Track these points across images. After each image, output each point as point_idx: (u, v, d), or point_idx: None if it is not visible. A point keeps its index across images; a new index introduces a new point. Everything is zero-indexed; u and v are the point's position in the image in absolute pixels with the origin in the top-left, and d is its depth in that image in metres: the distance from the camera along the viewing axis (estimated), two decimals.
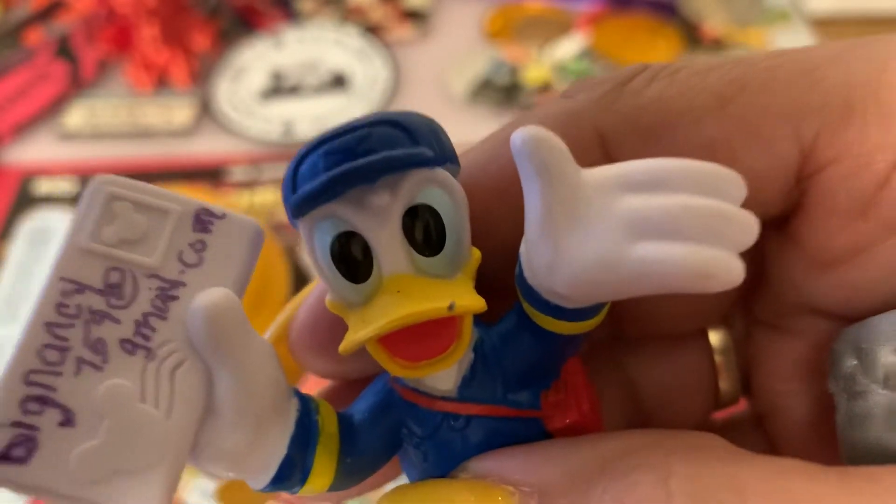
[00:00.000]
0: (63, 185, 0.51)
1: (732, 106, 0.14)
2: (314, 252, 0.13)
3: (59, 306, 0.12)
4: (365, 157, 0.12)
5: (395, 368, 0.13)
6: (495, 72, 0.55)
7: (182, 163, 0.52)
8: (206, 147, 0.53)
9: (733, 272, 0.11)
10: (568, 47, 0.57)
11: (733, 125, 0.14)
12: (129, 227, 0.13)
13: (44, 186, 0.51)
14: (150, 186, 0.14)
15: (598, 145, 0.15)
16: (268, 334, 0.16)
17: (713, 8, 0.59)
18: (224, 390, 0.12)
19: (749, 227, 0.11)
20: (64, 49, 0.57)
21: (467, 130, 0.53)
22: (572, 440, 0.14)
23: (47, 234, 0.48)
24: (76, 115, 0.54)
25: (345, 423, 0.14)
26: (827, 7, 0.59)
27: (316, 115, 0.53)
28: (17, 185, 0.51)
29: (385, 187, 0.12)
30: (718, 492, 0.11)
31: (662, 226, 0.11)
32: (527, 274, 0.12)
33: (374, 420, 0.14)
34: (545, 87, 0.54)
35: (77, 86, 0.56)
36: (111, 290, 0.13)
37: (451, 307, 0.12)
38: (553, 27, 0.59)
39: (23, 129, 0.54)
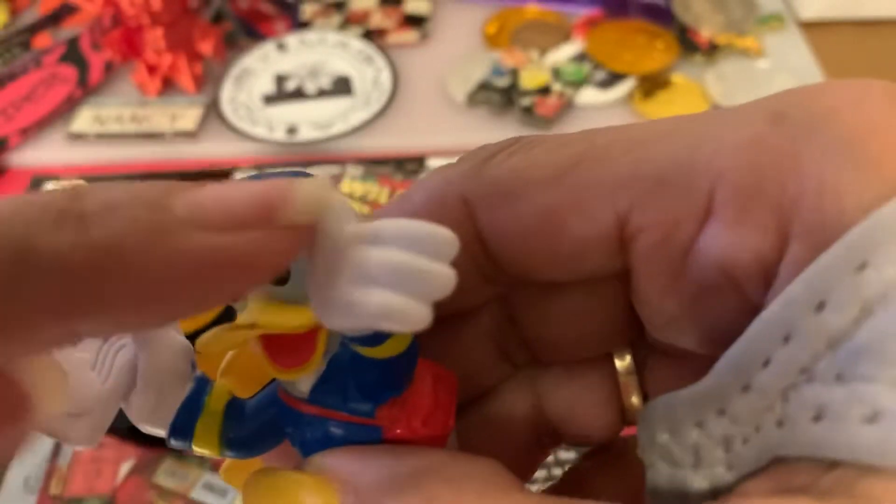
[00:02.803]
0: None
1: (566, 179, 0.16)
2: None
3: None
4: None
5: (270, 370, 0.16)
6: (494, 75, 0.56)
7: (187, 165, 0.53)
8: (211, 150, 0.53)
9: (417, 318, 0.13)
10: (565, 52, 0.58)
11: (565, 196, 0.16)
12: None
13: (52, 188, 0.52)
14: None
15: (463, 207, 0.17)
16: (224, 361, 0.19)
17: (708, 14, 0.60)
18: (140, 369, 0.17)
19: (443, 284, 0.13)
20: (72, 53, 0.58)
21: (466, 133, 0.54)
22: (392, 449, 0.16)
23: None
24: (84, 118, 0.55)
25: (235, 406, 0.18)
26: (820, 12, 0.60)
27: (319, 119, 0.54)
28: (25, 187, 0.52)
29: None
30: None
31: (374, 275, 0.13)
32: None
33: (258, 409, 0.17)
34: (543, 91, 0.55)
35: (85, 89, 0.57)
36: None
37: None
38: (551, 32, 0.60)
39: (31, 131, 0.55)
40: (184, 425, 0.17)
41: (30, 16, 0.63)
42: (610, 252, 0.17)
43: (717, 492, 0.15)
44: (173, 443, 0.17)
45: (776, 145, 0.15)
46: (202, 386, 0.18)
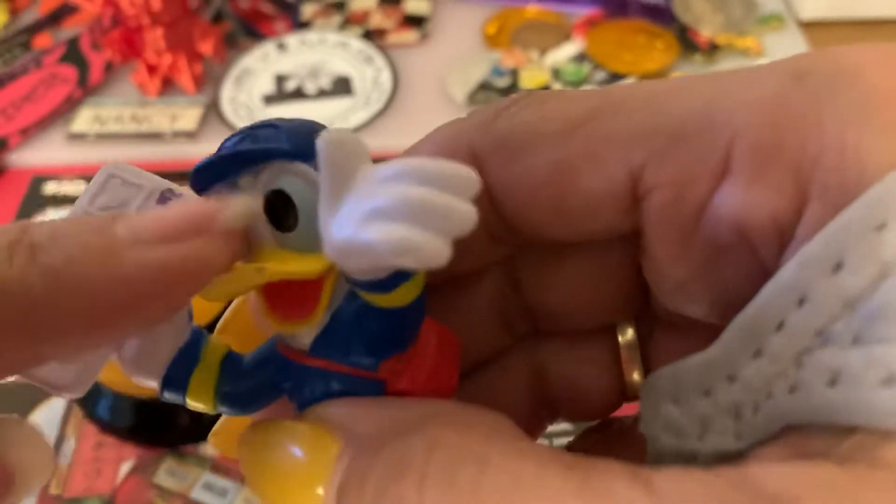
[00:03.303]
0: (71, 187, 0.52)
1: (580, 132, 0.16)
2: None
3: None
4: (237, 149, 0.16)
5: (271, 323, 0.16)
6: (494, 76, 0.56)
7: (188, 165, 0.52)
8: (211, 150, 0.53)
9: (435, 254, 0.12)
10: (565, 52, 0.58)
11: (577, 149, 0.16)
12: (113, 197, 0.17)
13: (52, 188, 0.52)
14: (142, 171, 0.17)
15: (472, 161, 0.17)
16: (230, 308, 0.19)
17: (708, 14, 0.60)
18: None
19: (464, 219, 0.13)
20: (72, 53, 0.58)
21: None
22: (395, 398, 0.16)
23: None
24: (84, 119, 0.55)
25: (231, 360, 0.17)
26: (820, 12, 0.60)
27: (319, 119, 0.54)
28: (26, 186, 0.52)
29: (250, 174, 0.16)
30: (463, 465, 0.13)
31: (391, 211, 0.13)
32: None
33: (255, 364, 0.17)
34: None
35: (85, 89, 0.57)
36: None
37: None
38: (551, 32, 0.60)
39: (32, 131, 0.55)
40: (178, 376, 0.17)
41: (30, 16, 0.63)
42: (622, 210, 0.16)
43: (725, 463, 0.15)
44: (166, 395, 0.17)
45: (797, 103, 0.14)
46: (198, 337, 0.17)
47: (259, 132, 0.16)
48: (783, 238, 0.15)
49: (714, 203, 0.15)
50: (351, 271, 0.14)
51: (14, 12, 0.63)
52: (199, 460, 0.40)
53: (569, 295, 0.19)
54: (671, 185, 0.15)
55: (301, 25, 0.61)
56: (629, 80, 0.56)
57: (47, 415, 0.42)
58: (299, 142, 0.15)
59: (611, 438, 0.21)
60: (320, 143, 0.14)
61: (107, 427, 0.41)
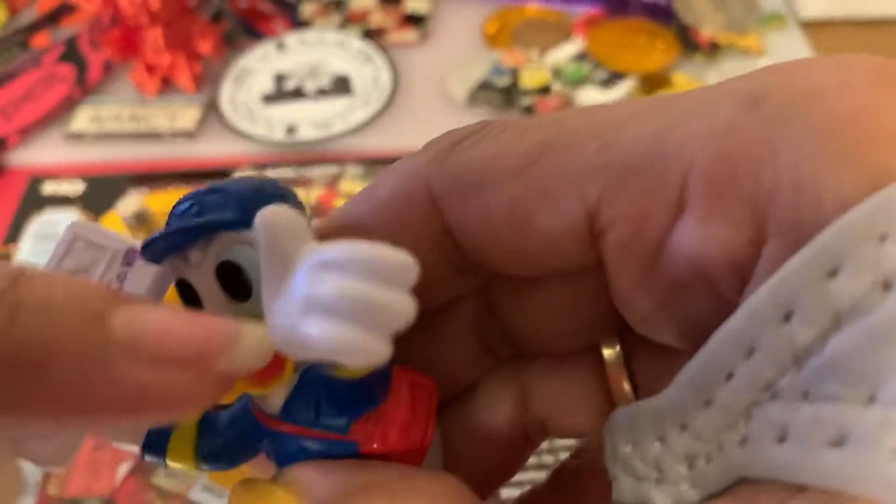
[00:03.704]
0: (70, 187, 0.52)
1: (533, 168, 0.15)
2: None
3: None
4: (183, 224, 0.16)
5: (241, 386, 0.16)
6: (494, 75, 0.56)
7: (187, 165, 0.52)
8: (210, 149, 0.53)
9: (374, 353, 0.12)
10: (566, 51, 0.58)
11: (531, 186, 0.15)
12: (79, 260, 0.17)
13: (50, 188, 0.52)
14: (106, 230, 0.17)
15: (428, 200, 0.16)
16: None
17: (709, 13, 0.60)
18: None
19: (402, 314, 0.13)
20: (70, 52, 0.58)
21: None
22: (351, 463, 0.16)
23: (54, 235, 0.49)
24: (82, 118, 0.55)
25: (209, 421, 0.17)
26: (821, 11, 0.60)
27: (318, 118, 0.54)
28: (24, 186, 0.52)
29: (199, 247, 0.15)
30: None
31: (327, 304, 0.13)
32: None
33: (231, 425, 0.17)
34: (544, 91, 0.55)
35: (83, 89, 0.56)
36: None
37: None
38: (551, 31, 0.60)
39: (30, 131, 0.54)
40: (157, 441, 0.17)
41: (28, 15, 0.63)
42: (581, 246, 0.16)
43: None
44: (147, 458, 0.17)
45: (751, 132, 0.14)
46: None
47: (206, 200, 0.16)
48: (743, 275, 0.14)
49: (671, 239, 0.15)
50: (296, 357, 0.14)
51: (13, 11, 0.63)
52: None
53: (546, 320, 0.19)
54: (627, 221, 0.15)
55: (300, 25, 0.61)
56: (630, 80, 0.55)
57: None
58: (247, 209, 0.15)
59: (601, 458, 0.20)
60: (257, 224, 0.14)
61: None
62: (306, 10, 0.62)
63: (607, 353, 0.19)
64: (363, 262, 0.13)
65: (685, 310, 0.15)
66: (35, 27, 0.61)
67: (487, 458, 0.20)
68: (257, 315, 0.15)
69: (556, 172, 0.15)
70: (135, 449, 0.17)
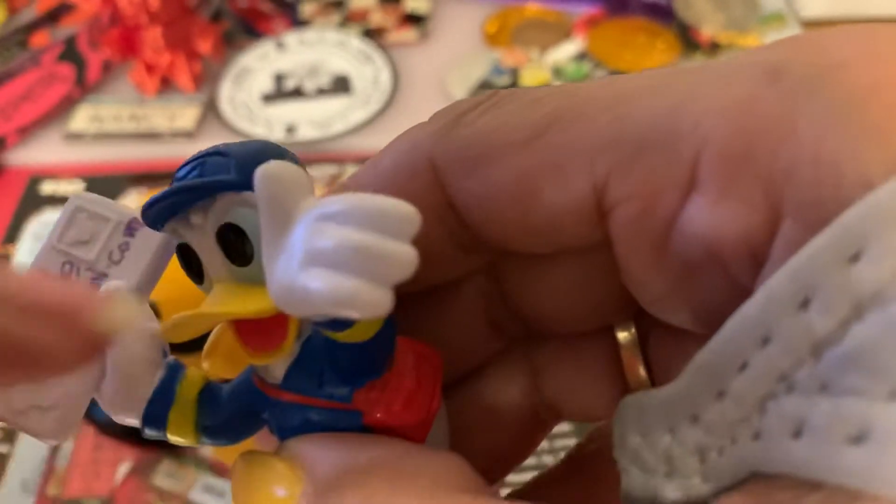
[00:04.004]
0: (69, 187, 0.51)
1: (541, 140, 0.15)
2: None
3: None
4: (183, 184, 0.15)
5: (244, 355, 0.15)
6: (494, 74, 0.56)
7: None
8: None
9: (375, 304, 0.12)
10: (566, 51, 0.58)
11: (539, 159, 0.15)
12: (81, 231, 0.17)
13: (50, 188, 0.51)
14: (108, 201, 0.17)
15: (432, 173, 0.16)
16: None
17: (709, 12, 0.60)
18: (109, 357, 0.16)
19: (403, 265, 0.12)
20: (70, 52, 0.57)
21: None
22: (356, 438, 0.15)
23: None
24: (82, 118, 0.55)
25: (210, 393, 0.17)
26: (821, 11, 0.60)
27: (318, 118, 0.54)
28: (23, 186, 0.52)
29: (201, 209, 0.15)
30: None
31: (329, 257, 0.12)
32: None
33: (233, 396, 0.17)
34: None
35: (83, 88, 0.56)
36: (63, 278, 0.17)
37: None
38: (551, 30, 0.60)
39: (29, 130, 0.54)
40: (157, 414, 0.16)
41: (27, 14, 0.62)
42: (589, 223, 0.15)
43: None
44: (148, 432, 0.17)
45: (769, 107, 0.13)
46: (174, 373, 0.17)
47: (207, 161, 0.15)
48: (757, 258, 0.13)
49: (682, 219, 0.14)
50: (297, 315, 0.14)
51: (12, 10, 0.63)
52: (197, 462, 0.39)
53: (557, 300, 0.18)
54: (637, 199, 0.14)
55: (300, 24, 0.61)
56: None
57: None
58: (248, 171, 0.14)
59: (597, 456, 0.20)
60: (257, 178, 0.13)
61: (105, 428, 0.40)
62: (306, 9, 0.62)
63: (622, 335, 0.18)
64: (362, 212, 0.12)
65: (698, 292, 0.15)
66: (34, 26, 0.61)
67: (497, 440, 0.20)
68: (260, 279, 0.14)
69: (565, 145, 0.15)
70: (135, 422, 0.17)
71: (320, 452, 0.15)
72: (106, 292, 0.15)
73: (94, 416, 0.40)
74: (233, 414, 0.17)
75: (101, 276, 0.17)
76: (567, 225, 0.15)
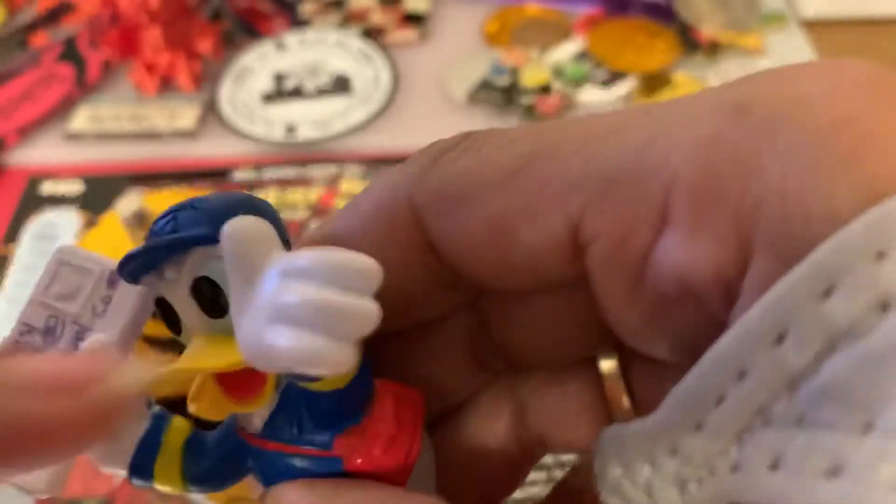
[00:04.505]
0: (69, 187, 0.51)
1: (515, 180, 0.15)
2: None
3: (17, 343, 0.18)
4: (156, 242, 0.16)
5: (224, 403, 0.16)
6: (495, 74, 0.56)
7: (186, 164, 0.52)
8: (209, 149, 0.53)
9: (337, 362, 0.12)
10: (566, 50, 0.58)
11: (513, 199, 0.15)
12: (66, 285, 0.17)
13: (49, 188, 0.51)
14: (91, 254, 0.18)
15: (411, 214, 0.16)
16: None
17: (710, 12, 0.60)
18: None
19: (366, 320, 0.12)
20: (69, 52, 0.57)
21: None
22: (340, 483, 0.15)
23: (53, 235, 0.49)
24: (82, 118, 0.55)
25: (196, 442, 0.17)
26: (822, 10, 0.60)
27: (318, 118, 0.54)
28: (23, 186, 0.52)
29: (174, 263, 0.15)
30: None
31: (291, 313, 0.12)
32: None
33: (217, 445, 0.17)
34: (544, 90, 0.55)
35: (82, 88, 0.56)
36: (48, 332, 0.17)
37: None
38: (552, 30, 0.59)
39: (29, 131, 0.54)
40: (143, 465, 0.17)
41: (27, 14, 0.62)
42: (565, 260, 0.15)
43: None
44: (135, 482, 0.17)
45: (736, 143, 0.13)
46: (159, 423, 0.17)
47: (180, 216, 0.16)
48: (730, 292, 0.13)
49: (655, 254, 0.14)
50: (267, 370, 0.14)
51: (11, 10, 0.63)
52: None
53: (538, 334, 0.18)
54: (610, 235, 0.15)
55: (300, 24, 0.61)
56: (630, 79, 0.55)
57: None
58: (220, 224, 0.15)
59: (583, 491, 0.19)
60: (222, 235, 0.14)
61: None
62: (306, 9, 0.62)
63: (605, 366, 0.19)
64: (325, 268, 0.13)
65: (674, 325, 0.15)
66: (34, 26, 0.61)
67: (484, 474, 0.20)
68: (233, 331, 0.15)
69: (538, 185, 0.15)
70: (122, 473, 0.17)
71: (302, 497, 0.15)
72: (91, 349, 0.16)
73: None
74: (218, 462, 0.17)
75: (85, 330, 0.17)
76: (544, 262, 0.16)
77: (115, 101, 0.56)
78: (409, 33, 0.60)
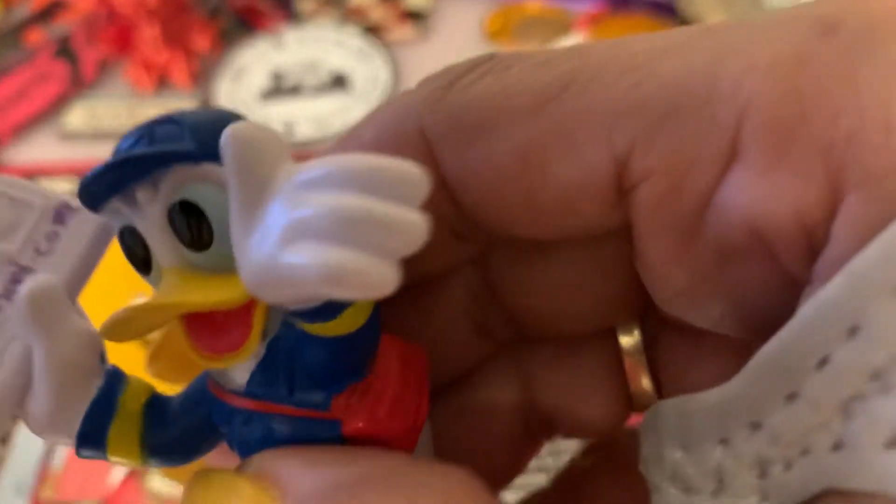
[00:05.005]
0: (64, 186, 0.51)
1: (551, 107, 0.13)
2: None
3: None
4: (130, 154, 0.13)
5: (196, 358, 0.13)
6: None
7: None
8: None
9: (378, 282, 0.10)
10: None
11: (548, 128, 0.13)
12: (2, 219, 0.15)
13: (45, 186, 0.51)
14: (27, 183, 0.15)
15: (422, 144, 0.14)
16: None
17: (712, 8, 0.59)
18: (36, 364, 0.14)
19: (412, 231, 0.10)
20: (64, 49, 0.57)
21: None
22: (342, 451, 0.13)
23: None
24: (77, 116, 0.54)
25: (157, 406, 0.15)
26: None
27: (316, 116, 0.54)
28: None
29: (149, 183, 0.13)
30: None
31: (319, 229, 0.10)
32: None
33: (184, 408, 0.15)
34: None
35: (78, 86, 0.56)
36: None
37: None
38: (553, 27, 0.59)
39: (23, 129, 0.54)
40: (94, 431, 0.14)
41: (22, 12, 0.62)
42: (605, 204, 0.13)
43: None
44: (84, 452, 0.14)
45: (825, 64, 0.11)
46: (114, 382, 0.14)
47: (157, 130, 0.13)
48: (812, 241, 0.12)
49: (719, 196, 0.12)
50: (276, 302, 0.12)
51: (6, 7, 0.62)
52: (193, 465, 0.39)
53: (555, 298, 0.16)
54: (664, 174, 0.12)
55: (298, 21, 0.61)
56: None
57: None
58: (206, 139, 0.13)
59: (615, 459, 0.18)
60: (225, 142, 0.11)
61: None
62: (304, 6, 0.61)
63: (625, 340, 0.17)
64: (359, 173, 0.10)
65: (731, 285, 0.13)
66: (29, 24, 0.60)
67: (484, 456, 0.18)
68: (220, 267, 0.13)
69: (580, 112, 0.13)
70: (68, 442, 0.14)
71: (297, 469, 0.13)
72: (32, 287, 0.13)
73: None
74: (185, 429, 0.14)
75: (24, 271, 0.15)
76: (580, 205, 0.13)
77: (111, 99, 0.55)
78: (408, 30, 0.59)
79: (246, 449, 0.14)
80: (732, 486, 0.12)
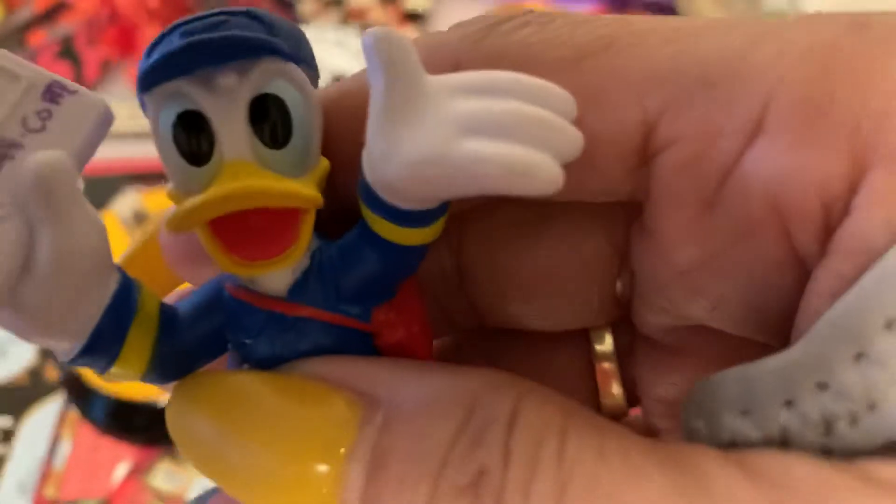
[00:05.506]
0: None
1: (589, 63, 0.13)
2: (157, 132, 0.13)
3: None
4: (232, 34, 0.12)
5: (228, 264, 0.13)
6: None
7: None
8: None
9: (552, 175, 0.11)
10: None
11: (585, 83, 0.13)
12: None
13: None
14: (18, 58, 0.14)
15: None
16: (131, 248, 0.16)
17: (711, 10, 0.59)
18: (45, 251, 0.12)
19: (574, 139, 0.11)
20: (67, 50, 0.57)
21: None
22: (421, 363, 0.13)
23: None
24: None
25: (168, 312, 0.14)
26: (824, 9, 0.60)
27: None
28: None
29: (234, 69, 0.12)
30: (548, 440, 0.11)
31: (490, 126, 0.11)
32: (365, 169, 0.12)
33: (197, 316, 0.14)
34: None
35: None
36: None
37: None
38: None
39: None
40: (112, 330, 0.13)
41: (25, 13, 0.62)
42: (626, 166, 0.13)
43: None
44: (81, 359, 0.13)
45: (856, 53, 0.12)
46: (129, 282, 0.13)
47: (234, 20, 0.13)
48: (829, 216, 0.12)
49: (743, 166, 0.12)
50: (405, 197, 0.12)
51: (9, 9, 0.62)
52: None
53: (527, 289, 0.16)
54: (691, 140, 0.13)
55: (299, 22, 0.61)
56: None
57: (42, 416, 0.41)
58: (292, 41, 0.13)
59: None
60: (371, 40, 0.11)
61: (104, 428, 0.40)
62: (305, 7, 0.62)
63: (598, 346, 0.17)
64: (523, 86, 0.11)
65: (735, 265, 0.13)
66: (31, 25, 0.60)
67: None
68: (286, 169, 0.13)
69: (617, 72, 0.13)
70: (64, 345, 0.13)
71: (389, 376, 0.12)
72: (41, 160, 0.12)
73: (92, 417, 0.40)
74: (198, 336, 0.14)
75: (11, 146, 0.13)
76: (602, 161, 0.13)
77: (114, 99, 0.56)
78: (409, 31, 0.59)
79: (275, 356, 0.13)
80: (796, 446, 0.12)
